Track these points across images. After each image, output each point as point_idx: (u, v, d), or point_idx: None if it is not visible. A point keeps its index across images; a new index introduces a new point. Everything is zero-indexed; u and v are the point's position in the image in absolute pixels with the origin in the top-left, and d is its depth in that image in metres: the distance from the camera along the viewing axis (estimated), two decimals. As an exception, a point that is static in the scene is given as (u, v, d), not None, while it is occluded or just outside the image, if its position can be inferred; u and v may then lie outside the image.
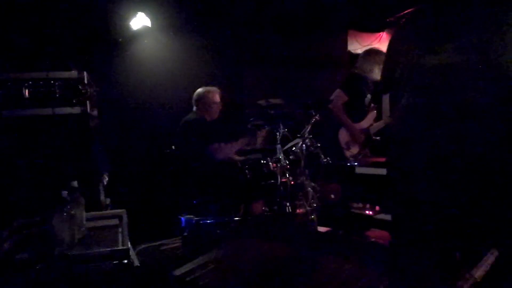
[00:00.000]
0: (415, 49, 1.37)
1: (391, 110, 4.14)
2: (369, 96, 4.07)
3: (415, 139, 1.34)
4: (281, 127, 3.77)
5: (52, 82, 2.28)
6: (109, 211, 2.32)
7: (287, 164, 3.66)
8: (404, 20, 1.49)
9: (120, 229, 2.15)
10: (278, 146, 3.67)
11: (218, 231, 3.51)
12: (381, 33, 5.79)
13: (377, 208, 2.49)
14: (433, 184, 1.28)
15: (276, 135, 3.71)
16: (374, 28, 5.74)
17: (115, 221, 2.28)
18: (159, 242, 3.97)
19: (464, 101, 1.24)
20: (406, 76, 1.42)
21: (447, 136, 1.23)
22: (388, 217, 2.40)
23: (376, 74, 3.93)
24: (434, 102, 1.28)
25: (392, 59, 1.52)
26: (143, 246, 3.78)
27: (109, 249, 1.59)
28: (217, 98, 3.80)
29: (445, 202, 1.24)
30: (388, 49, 1.56)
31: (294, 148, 3.82)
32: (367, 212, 2.51)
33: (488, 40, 1.23)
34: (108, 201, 2.81)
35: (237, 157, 3.90)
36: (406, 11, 5.27)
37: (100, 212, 2.29)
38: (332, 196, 3.85)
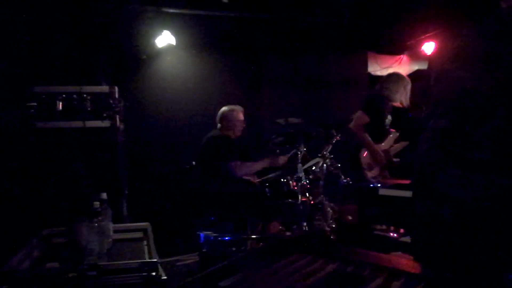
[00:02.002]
0: (461, 71, 1.36)
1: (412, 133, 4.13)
2: (389, 117, 4.07)
3: (441, 165, 1.33)
4: (302, 146, 3.78)
5: (84, 96, 2.35)
6: (133, 224, 2.34)
7: (307, 184, 3.65)
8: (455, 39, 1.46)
9: (145, 242, 2.17)
10: (299, 165, 3.67)
11: (234, 248, 3.50)
12: (401, 56, 5.81)
13: (402, 230, 2.45)
14: (460, 209, 1.27)
15: (297, 154, 3.71)
16: (394, 51, 5.76)
17: (139, 234, 2.31)
18: (175, 258, 3.97)
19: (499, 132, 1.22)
20: (446, 98, 1.41)
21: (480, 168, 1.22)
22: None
23: (398, 97, 3.94)
24: (471, 130, 1.27)
25: (436, 77, 1.51)
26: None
27: (138, 261, 1.60)
28: (241, 116, 3.85)
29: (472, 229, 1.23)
30: (434, 66, 1.54)
31: (314, 168, 3.82)
32: (391, 234, 2.48)
33: None
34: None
35: (256, 180, 3.91)
36: (426, 35, 5.31)
37: (125, 225, 2.31)
38: (350, 217, 3.82)
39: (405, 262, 1.01)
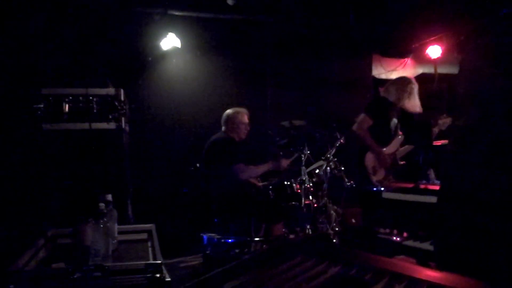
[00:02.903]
0: (493, 69, 1.32)
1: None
2: (395, 120, 4.06)
3: (469, 166, 1.29)
4: (306, 148, 3.78)
5: (90, 98, 2.37)
6: (138, 225, 2.36)
7: (311, 187, 3.66)
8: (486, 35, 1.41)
9: (149, 243, 2.19)
10: (303, 167, 3.68)
11: (237, 250, 3.51)
12: (405, 59, 5.80)
13: (405, 234, 2.45)
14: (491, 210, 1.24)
15: (301, 157, 3.72)
16: (399, 54, 5.76)
17: (143, 236, 2.32)
18: (178, 259, 3.98)
19: None
20: (476, 97, 1.36)
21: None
22: (416, 244, 2.36)
23: (404, 101, 3.93)
24: (500, 129, 1.23)
25: (464, 74, 1.46)
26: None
27: (143, 262, 1.61)
28: (245, 119, 3.86)
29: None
30: (464, 63, 1.49)
31: (318, 171, 3.83)
32: (394, 238, 2.48)
33: None
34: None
35: (259, 183, 3.92)
36: (431, 38, 5.31)
37: (130, 226, 2.33)
38: (353, 220, 3.82)
39: (407, 265, 1.01)
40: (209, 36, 4.65)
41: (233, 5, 4.29)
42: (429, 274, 0.95)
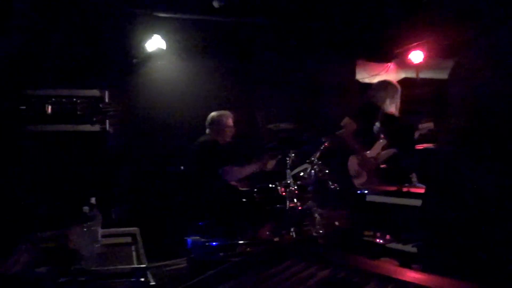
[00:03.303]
0: (484, 70, 1.32)
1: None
2: (377, 124, 4.13)
3: (462, 167, 1.29)
4: (291, 151, 3.81)
5: (74, 99, 2.34)
6: (122, 229, 2.33)
7: (296, 189, 3.68)
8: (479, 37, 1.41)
9: (134, 247, 2.16)
10: (288, 171, 3.70)
11: (222, 254, 3.50)
12: (388, 63, 5.90)
13: (388, 236, 2.49)
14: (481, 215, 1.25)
15: (286, 160, 3.74)
16: (382, 59, 5.85)
17: (127, 239, 2.30)
18: (162, 263, 3.94)
19: None
20: (471, 98, 1.36)
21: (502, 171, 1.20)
22: (399, 246, 2.40)
23: (388, 105, 4.00)
24: (494, 130, 1.24)
25: (460, 76, 1.46)
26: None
27: (128, 266, 1.60)
28: (230, 122, 3.86)
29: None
30: (456, 67, 1.49)
31: (302, 174, 3.85)
32: (378, 240, 2.51)
33: None
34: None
35: (243, 187, 3.93)
36: (413, 44, 5.41)
37: (114, 229, 2.30)
38: (338, 223, 3.85)
39: (394, 268, 1.03)
40: (195, 38, 4.63)
41: (219, 7, 4.28)
42: (415, 276, 0.97)
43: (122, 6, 4.04)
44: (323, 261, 0.98)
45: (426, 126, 4.18)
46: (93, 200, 1.94)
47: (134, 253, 2.05)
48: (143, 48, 4.39)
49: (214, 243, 3.47)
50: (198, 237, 3.48)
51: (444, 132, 1.41)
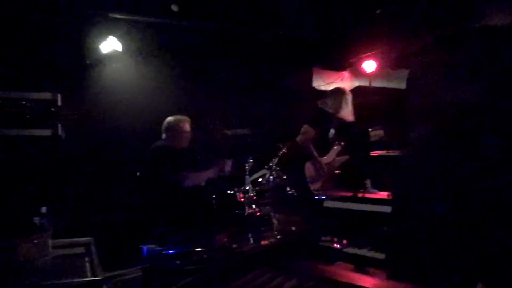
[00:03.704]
0: (442, 82, 1.40)
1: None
2: (332, 131, 4.25)
3: (431, 173, 1.35)
4: (249, 157, 3.82)
5: (23, 103, 2.21)
6: (75, 239, 2.22)
7: (254, 195, 3.69)
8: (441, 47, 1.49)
9: (87, 258, 2.07)
10: (246, 176, 3.70)
11: (179, 262, 3.43)
12: (343, 72, 6.08)
13: (345, 241, 2.56)
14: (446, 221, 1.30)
15: (245, 165, 3.74)
16: (337, 67, 6.02)
17: (81, 250, 2.19)
18: (117, 272, 3.80)
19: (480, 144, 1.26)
20: (427, 109, 1.43)
21: (467, 173, 1.26)
22: (355, 250, 2.47)
23: (342, 111, 4.14)
24: (452, 140, 1.30)
25: (413, 89, 1.53)
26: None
27: (82, 279, 1.52)
28: (187, 127, 3.81)
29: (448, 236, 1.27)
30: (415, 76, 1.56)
31: (261, 180, 3.87)
32: (335, 245, 2.57)
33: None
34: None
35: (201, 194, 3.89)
36: (367, 53, 5.62)
37: (66, 240, 2.19)
38: (293, 228, 3.90)
39: (356, 276, 1.05)
40: (153, 41, 4.54)
41: (177, 11, 4.23)
42: (376, 283, 1.00)
43: (75, 6, 3.87)
44: (289, 270, 0.99)
45: (377, 133, 4.36)
46: (43, 209, 1.84)
47: (88, 264, 1.97)
48: (98, 49, 4.23)
49: (170, 251, 3.39)
50: (154, 245, 3.39)
51: (408, 141, 1.47)
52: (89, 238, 2.21)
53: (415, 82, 1.52)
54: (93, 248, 2.09)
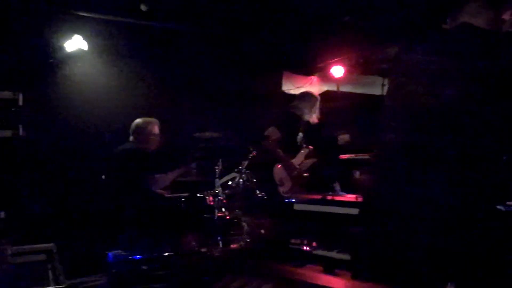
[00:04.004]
0: (416, 86, 1.41)
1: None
2: (300, 134, 4.30)
3: (396, 179, 1.36)
4: (219, 160, 3.80)
5: (-19, 101, 2.10)
6: (36, 246, 2.13)
7: (224, 198, 3.67)
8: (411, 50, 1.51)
9: (49, 265, 1.99)
10: (216, 179, 3.68)
11: (146, 267, 3.36)
12: (312, 76, 6.18)
13: (314, 243, 2.59)
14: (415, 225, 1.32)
15: (215, 169, 3.71)
16: (306, 72, 6.11)
17: (43, 257, 2.10)
18: (80, 280, 3.67)
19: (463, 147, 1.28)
20: (401, 112, 1.44)
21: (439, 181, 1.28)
22: (324, 252, 2.50)
23: (310, 115, 4.20)
24: (429, 144, 1.31)
25: (391, 90, 1.54)
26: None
27: None
28: (156, 129, 3.74)
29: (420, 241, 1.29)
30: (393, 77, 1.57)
31: (230, 183, 3.86)
32: (304, 247, 2.60)
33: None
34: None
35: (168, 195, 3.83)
36: (334, 59, 5.73)
37: (27, 247, 2.09)
38: (263, 231, 3.91)
39: (325, 277, 1.06)
40: (120, 41, 4.42)
41: (146, 11, 4.15)
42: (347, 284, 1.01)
43: (39, 2, 3.73)
44: (259, 274, 0.98)
45: (343, 138, 4.47)
46: (2, 214, 1.75)
47: (50, 272, 1.89)
48: (62, 48, 4.09)
49: (137, 256, 3.32)
50: (120, 251, 3.31)
51: (380, 146, 1.49)
52: (51, 244, 2.12)
53: (390, 85, 1.54)
54: (55, 255, 2.01)
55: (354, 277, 1.47)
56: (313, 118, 4.26)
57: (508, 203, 2.08)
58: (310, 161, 4.39)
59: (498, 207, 2.03)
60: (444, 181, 1.28)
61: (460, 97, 1.30)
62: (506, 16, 1.47)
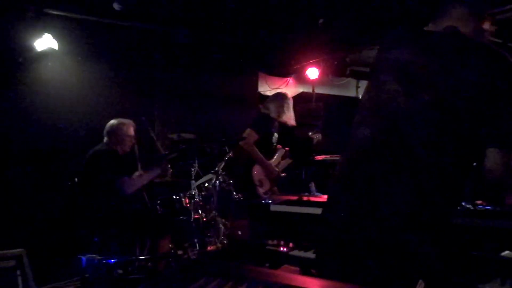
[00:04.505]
0: (395, 85, 1.40)
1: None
2: (276, 135, 4.32)
3: (363, 177, 1.36)
4: (195, 162, 3.77)
5: None
6: (3, 252, 2.05)
7: (200, 200, 3.65)
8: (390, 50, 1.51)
9: (19, 271, 1.92)
10: (192, 181, 3.65)
11: (121, 271, 3.30)
12: (288, 78, 6.23)
13: (291, 245, 2.60)
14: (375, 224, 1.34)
15: (191, 170, 3.69)
16: (282, 73, 6.16)
17: (11, 263, 2.03)
18: (52, 285, 3.58)
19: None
20: (376, 109, 1.44)
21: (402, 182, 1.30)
22: (301, 253, 2.51)
23: (282, 115, 4.22)
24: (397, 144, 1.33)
25: (369, 86, 1.53)
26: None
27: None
28: (131, 131, 3.68)
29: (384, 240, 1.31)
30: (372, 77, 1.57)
31: (207, 184, 3.84)
32: (281, 249, 2.60)
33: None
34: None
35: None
36: (309, 61, 5.80)
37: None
38: (240, 233, 3.91)
39: (302, 278, 1.07)
40: (92, 41, 4.33)
41: (119, 10, 4.08)
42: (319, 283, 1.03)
43: (8, 0, 3.61)
44: (237, 276, 0.98)
45: (316, 137, 4.53)
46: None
47: (19, 278, 1.83)
48: (32, 47, 3.97)
49: (111, 260, 3.25)
50: (93, 255, 3.23)
51: (351, 143, 1.49)
52: (20, 250, 2.05)
53: (370, 82, 1.54)
54: (25, 260, 1.94)
55: (320, 275, 1.48)
56: (288, 119, 4.28)
57: (476, 201, 2.17)
58: (286, 162, 4.42)
59: (467, 205, 2.11)
60: (409, 182, 1.31)
61: (436, 100, 1.31)
62: (486, 26, 1.50)
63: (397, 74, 1.42)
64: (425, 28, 1.52)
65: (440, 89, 1.31)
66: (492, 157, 1.26)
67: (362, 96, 1.55)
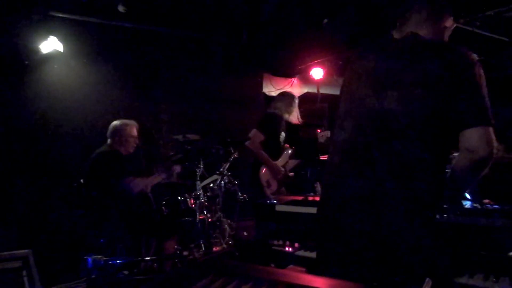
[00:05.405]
0: (365, 89, 1.49)
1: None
2: (283, 134, 4.30)
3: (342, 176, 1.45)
4: (200, 163, 3.77)
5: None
6: (10, 252, 2.06)
7: (205, 201, 3.64)
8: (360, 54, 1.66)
9: (25, 272, 1.93)
10: (198, 182, 3.65)
11: (127, 272, 3.30)
12: (292, 78, 6.21)
13: (297, 245, 2.58)
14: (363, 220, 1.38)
15: (196, 171, 3.68)
16: (287, 74, 6.15)
17: (18, 264, 2.04)
18: (58, 286, 3.58)
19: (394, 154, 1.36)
20: (350, 114, 1.53)
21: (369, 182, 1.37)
22: (306, 253, 2.50)
23: (290, 115, 4.20)
24: (366, 145, 1.41)
25: (343, 94, 1.64)
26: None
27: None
28: (134, 132, 3.69)
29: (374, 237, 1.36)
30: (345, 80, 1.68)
31: (212, 185, 3.83)
32: (287, 249, 2.59)
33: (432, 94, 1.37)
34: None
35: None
36: (314, 61, 5.79)
37: (1, 253, 2.02)
38: (245, 233, 3.90)
39: (308, 277, 1.06)
40: (97, 43, 4.35)
41: (124, 12, 4.10)
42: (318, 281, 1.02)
43: (14, 3, 3.63)
44: (242, 275, 0.97)
45: (324, 134, 4.50)
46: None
47: (26, 279, 1.83)
48: (38, 49, 3.99)
49: (117, 261, 3.26)
50: (99, 256, 3.24)
51: (332, 144, 1.59)
52: (26, 251, 2.05)
53: (342, 89, 1.67)
54: (31, 261, 1.95)
55: (321, 273, 1.50)
56: (294, 118, 4.26)
57: (484, 201, 2.16)
58: (293, 162, 4.40)
59: (475, 204, 2.11)
60: (388, 176, 1.37)
61: (402, 102, 1.39)
62: (448, 24, 1.62)
63: (366, 79, 1.52)
64: (389, 37, 1.63)
65: (405, 83, 1.41)
66: (472, 137, 1.34)
67: (338, 103, 1.66)
